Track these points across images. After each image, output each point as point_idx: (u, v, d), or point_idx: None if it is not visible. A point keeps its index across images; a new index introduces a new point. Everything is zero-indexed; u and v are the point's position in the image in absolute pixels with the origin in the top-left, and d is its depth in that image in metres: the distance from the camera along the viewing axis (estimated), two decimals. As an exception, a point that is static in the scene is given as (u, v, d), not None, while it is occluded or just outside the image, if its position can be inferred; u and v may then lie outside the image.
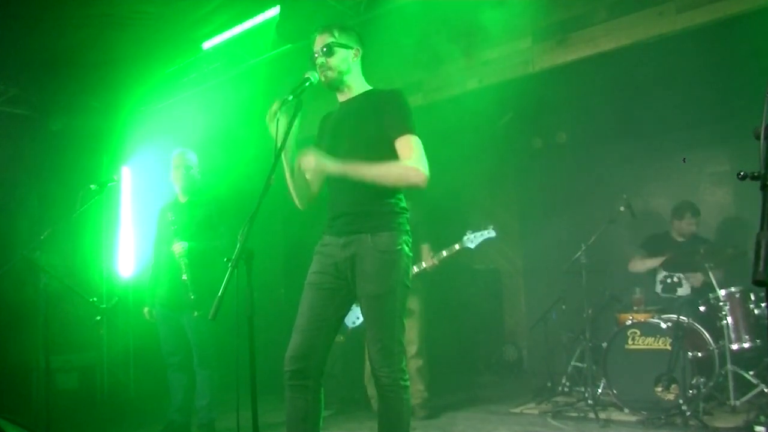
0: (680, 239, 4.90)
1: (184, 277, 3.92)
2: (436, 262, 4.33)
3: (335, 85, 2.52)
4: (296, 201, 2.54)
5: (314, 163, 2.31)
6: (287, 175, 2.46)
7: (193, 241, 3.98)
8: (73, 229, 4.58)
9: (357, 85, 2.55)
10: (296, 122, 2.34)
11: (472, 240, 4.17)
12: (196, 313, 3.94)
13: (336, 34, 2.48)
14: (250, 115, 5.57)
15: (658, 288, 4.88)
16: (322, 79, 2.47)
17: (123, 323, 5.75)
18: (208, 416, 4.10)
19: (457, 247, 4.24)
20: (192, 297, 3.91)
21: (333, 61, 2.46)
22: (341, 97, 2.58)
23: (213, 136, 5.45)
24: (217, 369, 4.16)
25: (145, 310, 4.25)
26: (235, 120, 5.61)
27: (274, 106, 2.31)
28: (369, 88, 2.57)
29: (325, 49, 2.46)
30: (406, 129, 2.39)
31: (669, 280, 4.79)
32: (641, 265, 4.89)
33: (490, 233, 4.16)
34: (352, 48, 2.52)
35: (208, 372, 4.08)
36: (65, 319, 5.16)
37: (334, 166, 2.32)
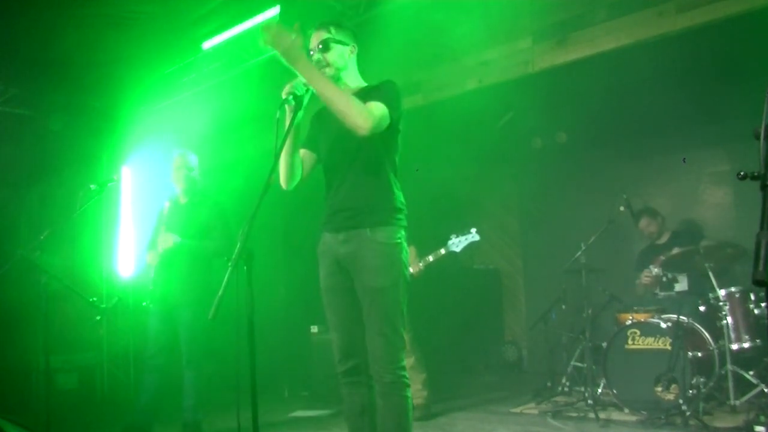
0: (659, 242, 4.94)
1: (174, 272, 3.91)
2: (421, 267, 4.23)
3: (332, 81, 2.51)
4: (283, 180, 2.47)
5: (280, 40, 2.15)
6: (284, 153, 2.36)
7: (192, 241, 3.98)
8: (73, 229, 4.58)
9: (353, 81, 2.56)
10: (300, 115, 2.32)
11: (457, 244, 4.10)
12: (190, 313, 3.93)
13: (332, 31, 2.50)
14: (249, 115, 5.59)
15: (656, 288, 4.88)
16: None
17: (123, 323, 5.76)
18: (194, 417, 4.05)
19: (442, 251, 4.16)
20: (187, 296, 3.90)
21: (330, 57, 2.47)
22: None
23: (213, 136, 5.46)
24: (206, 370, 4.12)
25: (145, 303, 4.23)
26: (235, 120, 5.62)
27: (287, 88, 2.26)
28: (365, 84, 2.58)
29: (321, 46, 2.47)
30: (381, 99, 2.33)
31: (665, 278, 4.80)
32: (645, 282, 4.84)
33: (474, 237, 4.08)
34: (348, 45, 2.53)
35: (195, 373, 4.03)
36: (65, 319, 5.15)
37: (292, 52, 2.16)
